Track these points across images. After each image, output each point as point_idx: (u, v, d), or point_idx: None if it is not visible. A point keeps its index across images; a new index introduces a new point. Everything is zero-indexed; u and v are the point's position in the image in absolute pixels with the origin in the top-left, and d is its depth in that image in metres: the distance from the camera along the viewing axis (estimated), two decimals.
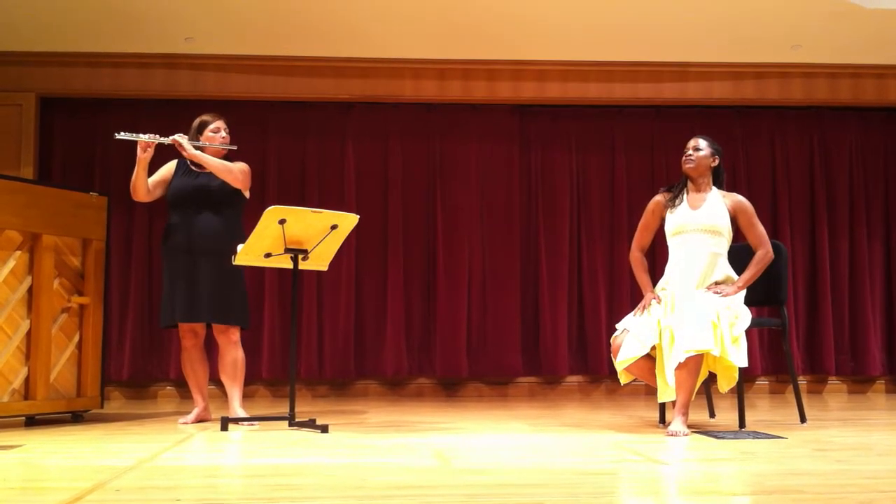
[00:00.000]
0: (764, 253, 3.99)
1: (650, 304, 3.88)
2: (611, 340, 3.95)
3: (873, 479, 2.57)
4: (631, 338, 3.79)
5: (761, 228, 4.04)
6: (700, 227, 3.95)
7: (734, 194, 4.08)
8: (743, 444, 3.32)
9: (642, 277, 4.09)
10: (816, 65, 6.63)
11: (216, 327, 4.34)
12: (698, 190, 4.05)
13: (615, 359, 3.86)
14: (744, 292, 3.93)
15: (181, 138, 4.27)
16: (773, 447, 3.26)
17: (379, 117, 6.68)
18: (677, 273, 3.96)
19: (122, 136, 4.22)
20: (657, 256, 5.25)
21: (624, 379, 3.94)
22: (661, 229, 4.15)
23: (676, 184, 4.14)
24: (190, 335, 4.39)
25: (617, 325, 3.95)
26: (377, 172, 6.64)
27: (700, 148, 4.04)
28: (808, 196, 6.86)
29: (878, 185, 6.93)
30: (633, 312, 3.94)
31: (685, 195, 4.06)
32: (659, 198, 4.13)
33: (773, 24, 5.95)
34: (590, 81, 6.63)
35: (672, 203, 4.06)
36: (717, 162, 4.07)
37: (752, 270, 3.96)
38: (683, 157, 4.07)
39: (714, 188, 4.07)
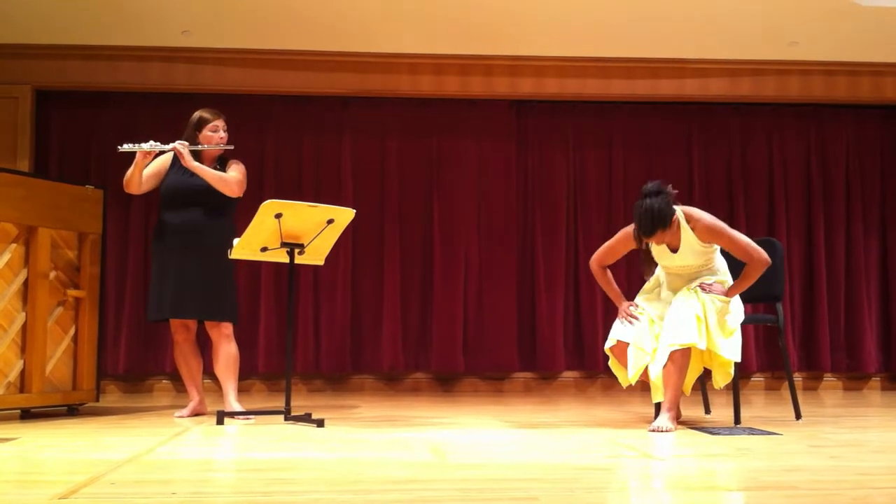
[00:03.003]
0: (752, 267, 3.75)
1: (629, 311, 3.85)
2: (605, 350, 3.95)
3: (867, 475, 2.58)
4: (633, 350, 3.77)
5: (741, 241, 3.76)
6: (685, 268, 3.85)
7: (699, 221, 3.75)
8: (738, 441, 3.33)
9: (610, 289, 4.01)
10: (813, 62, 6.63)
11: (208, 322, 4.33)
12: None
13: (616, 365, 3.87)
14: None
15: (182, 147, 4.25)
16: (768, 443, 3.27)
17: (375, 112, 6.67)
18: (668, 283, 3.94)
19: (124, 148, 4.23)
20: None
21: (626, 383, 3.92)
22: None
23: (642, 229, 3.74)
24: (182, 329, 4.38)
25: (610, 336, 3.90)
26: (374, 167, 6.63)
27: (664, 239, 3.77)
28: (805, 193, 6.87)
29: (875, 182, 6.93)
30: (619, 321, 3.88)
31: None
32: (632, 233, 3.87)
33: (770, 21, 5.95)
34: (587, 77, 6.62)
35: (648, 256, 3.90)
36: (676, 216, 3.74)
37: (742, 283, 3.79)
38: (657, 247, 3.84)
39: (681, 224, 3.76)
